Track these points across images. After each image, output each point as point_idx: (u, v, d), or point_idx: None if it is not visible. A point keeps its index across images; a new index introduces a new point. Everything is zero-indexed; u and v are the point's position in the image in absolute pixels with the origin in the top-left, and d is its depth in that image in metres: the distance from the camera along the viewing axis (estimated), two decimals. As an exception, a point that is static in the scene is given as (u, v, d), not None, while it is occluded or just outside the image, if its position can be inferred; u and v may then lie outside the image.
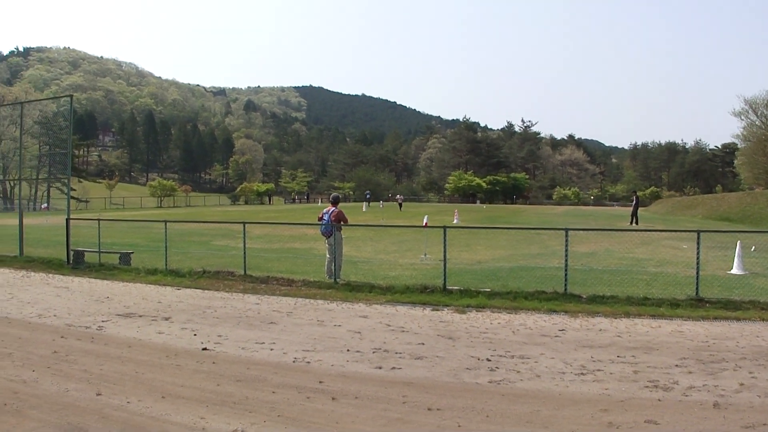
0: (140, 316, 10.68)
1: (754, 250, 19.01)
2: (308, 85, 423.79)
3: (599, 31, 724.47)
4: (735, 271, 15.92)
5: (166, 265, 16.17)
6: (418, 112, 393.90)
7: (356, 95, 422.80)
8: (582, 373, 7.31)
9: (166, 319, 10.48)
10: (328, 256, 14.98)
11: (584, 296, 12.27)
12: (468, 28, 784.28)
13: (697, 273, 12.39)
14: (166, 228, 16.78)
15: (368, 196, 79.88)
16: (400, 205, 67.03)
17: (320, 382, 6.93)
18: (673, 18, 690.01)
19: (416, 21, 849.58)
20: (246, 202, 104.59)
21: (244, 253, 15.54)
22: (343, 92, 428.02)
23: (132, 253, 17.80)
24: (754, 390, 6.72)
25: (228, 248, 21.28)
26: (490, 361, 7.85)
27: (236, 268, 15.61)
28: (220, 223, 30.77)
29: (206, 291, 13.56)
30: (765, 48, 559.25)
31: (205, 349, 8.39)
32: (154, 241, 20.93)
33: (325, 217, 15.01)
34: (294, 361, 7.81)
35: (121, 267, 16.81)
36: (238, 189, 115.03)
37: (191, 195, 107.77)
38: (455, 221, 38.58)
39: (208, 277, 15.11)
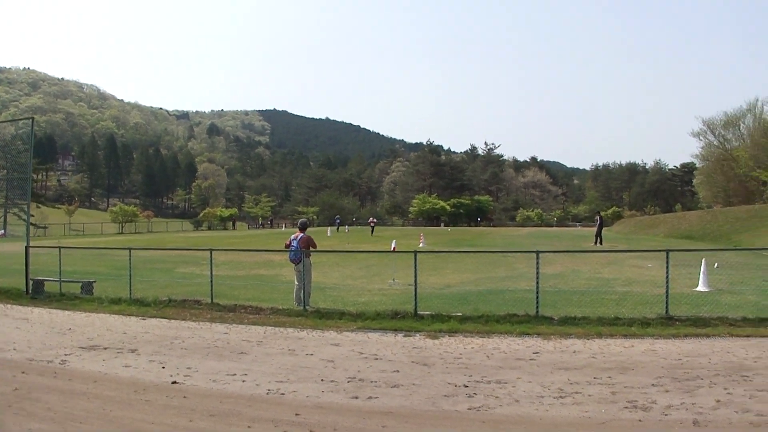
0: (105, 349, 10.35)
1: (717, 267, 19.26)
2: (272, 108, 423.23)
3: (559, 54, 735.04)
4: (701, 288, 16.13)
5: (130, 294, 15.75)
6: (382, 135, 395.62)
7: (320, 119, 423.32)
8: (561, 396, 7.25)
9: (133, 351, 10.16)
10: (296, 283, 14.74)
11: (556, 318, 12.26)
12: (430, 52, 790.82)
13: (667, 291, 12.52)
14: (130, 256, 16.42)
15: (338, 220, 79.43)
16: (372, 228, 64.54)
17: (296, 414, 6.75)
18: (632, 42, 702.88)
19: (379, 45, 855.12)
20: (209, 228, 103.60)
21: (211, 280, 15.27)
22: (307, 116, 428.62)
23: (94, 281, 17.35)
24: (731, 406, 6.77)
25: (193, 275, 20.95)
26: (467, 387, 7.75)
27: (202, 297, 15.29)
28: (184, 250, 30.38)
29: (172, 321, 13.22)
30: (721, 70, 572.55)
31: (174, 382, 8.13)
32: (116, 269, 20.53)
33: (294, 243, 14.82)
34: (268, 393, 7.61)
35: (84, 297, 16.38)
36: (201, 214, 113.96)
37: (153, 220, 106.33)
38: (421, 245, 38.50)
39: (174, 306, 14.76)
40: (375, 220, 70.57)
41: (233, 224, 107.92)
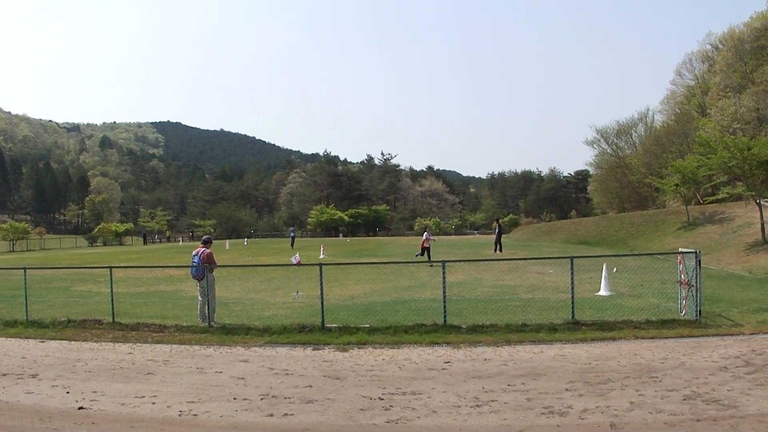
0: (3, 375, 9.74)
1: (617, 271, 19.85)
2: (165, 120, 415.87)
3: (451, 63, 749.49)
4: (602, 292, 16.60)
5: (26, 315, 14.95)
6: (278, 146, 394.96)
7: (214, 130, 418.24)
8: (477, 405, 7.27)
9: (34, 376, 9.60)
10: (200, 298, 14.33)
11: (464, 326, 12.34)
12: (323, 61, 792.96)
13: (573, 297, 12.80)
14: (25, 276, 15.64)
15: (293, 233, 67.74)
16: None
17: (211, 435, 6.50)
18: (525, 51, 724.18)
19: (272, 54, 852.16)
20: (104, 243, 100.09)
21: (112, 299, 14.66)
22: (202, 127, 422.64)
23: (-14, 303, 16.49)
24: (644, 407, 6.95)
25: (91, 294, 20.12)
26: (382, 399, 7.68)
27: (103, 316, 14.67)
28: (78, 269, 29.23)
29: (73, 342, 12.60)
30: (614, 81, 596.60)
31: (81, 408, 7.70)
32: (9, 290, 19.54)
33: (195, 259, 14.43)
34: (180, 415, 7.32)
35: (-24, 320, 15.51)
36: (96, 230, 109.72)
37: (46, 237, 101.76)
38: (322, 256, 38.35)
39: (74, 327, 14.07)
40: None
41: (144, 239, 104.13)
